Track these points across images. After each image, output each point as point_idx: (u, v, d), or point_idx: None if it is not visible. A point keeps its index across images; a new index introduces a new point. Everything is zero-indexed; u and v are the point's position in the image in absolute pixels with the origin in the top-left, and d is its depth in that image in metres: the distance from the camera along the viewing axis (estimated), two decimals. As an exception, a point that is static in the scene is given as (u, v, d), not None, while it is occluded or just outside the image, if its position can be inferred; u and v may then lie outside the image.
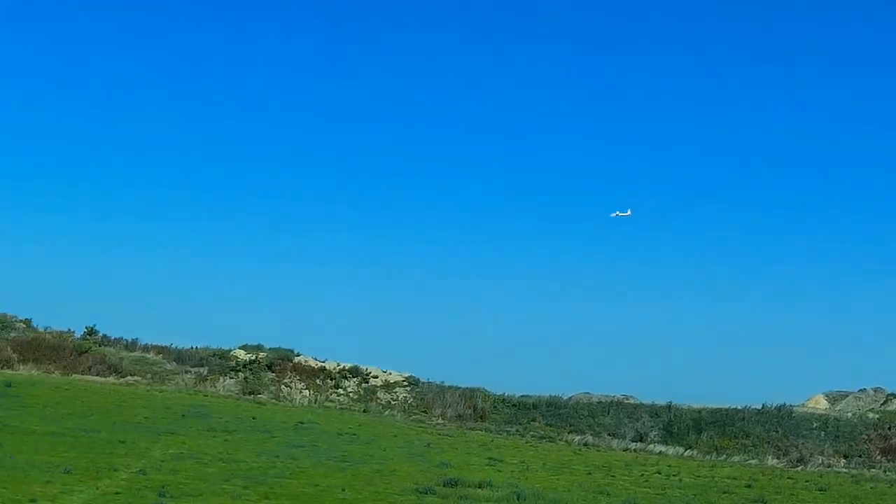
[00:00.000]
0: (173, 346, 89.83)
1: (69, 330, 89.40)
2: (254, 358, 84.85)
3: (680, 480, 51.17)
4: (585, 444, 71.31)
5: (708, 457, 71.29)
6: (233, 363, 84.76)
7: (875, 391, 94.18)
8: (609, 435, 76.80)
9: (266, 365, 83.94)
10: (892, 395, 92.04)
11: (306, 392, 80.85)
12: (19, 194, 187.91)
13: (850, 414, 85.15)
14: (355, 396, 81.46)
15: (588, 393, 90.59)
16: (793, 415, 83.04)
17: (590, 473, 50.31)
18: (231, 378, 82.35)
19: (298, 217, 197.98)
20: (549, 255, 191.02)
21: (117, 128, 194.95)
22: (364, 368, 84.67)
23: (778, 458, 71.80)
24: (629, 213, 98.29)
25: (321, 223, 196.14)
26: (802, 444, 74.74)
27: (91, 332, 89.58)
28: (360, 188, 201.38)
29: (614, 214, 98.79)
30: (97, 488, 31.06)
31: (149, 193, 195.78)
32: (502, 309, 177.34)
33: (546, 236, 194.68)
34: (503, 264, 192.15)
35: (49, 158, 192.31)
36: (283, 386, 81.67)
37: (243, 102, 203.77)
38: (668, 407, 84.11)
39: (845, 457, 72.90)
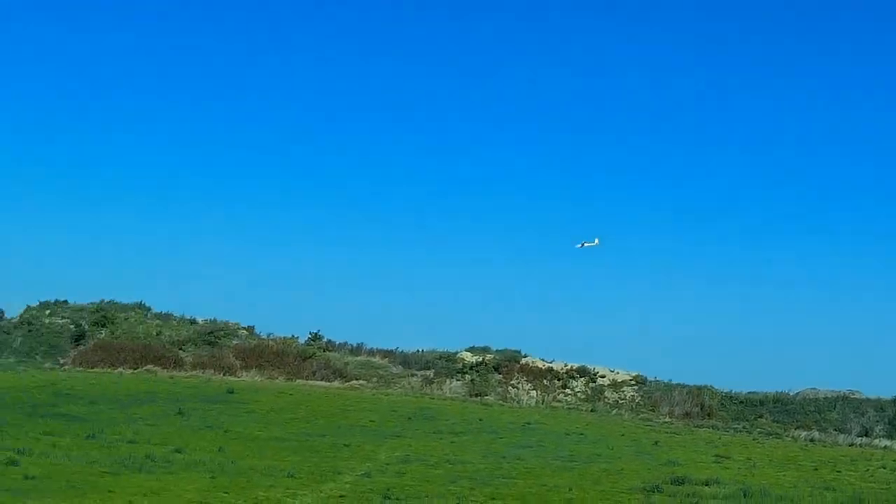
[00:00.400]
0: (399, 349, 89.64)
1: (293, 336, 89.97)
2: (480, 360, 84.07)
3: (904, 475, 48.92)
4: (811, 440, 68.95)
5: (933, 450, 68.29)
6: (459, 365, 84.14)
7: None
8: (835, 430, 74.40)
9: (493, 366, 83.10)
10: None
11: (533, 393, 79.78)
12: (245, 203, 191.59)
13: None
14: (583, 396, 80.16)
15: (815, 388, 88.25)
16: None
17: (816, 469, 48.37)
18: (457, 380, 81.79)
19: (522, 217, 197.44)
20: (767, 253, 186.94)
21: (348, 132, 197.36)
22: (591, 368, 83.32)
23: None
24: (596, 242, 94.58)
25: (548, 223, 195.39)
26: None
27: (315, 337, 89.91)
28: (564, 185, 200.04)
29: (580, 245, 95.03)
30: (321, 492, 30.59)
31: (371, 194, 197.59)
32: (728, 305, 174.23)
33: (765, 231, 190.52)
34: (729, 261, 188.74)
35: (268, 163, 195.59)
36: (510, 387, 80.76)
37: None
38: (894, 401, 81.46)
39: None
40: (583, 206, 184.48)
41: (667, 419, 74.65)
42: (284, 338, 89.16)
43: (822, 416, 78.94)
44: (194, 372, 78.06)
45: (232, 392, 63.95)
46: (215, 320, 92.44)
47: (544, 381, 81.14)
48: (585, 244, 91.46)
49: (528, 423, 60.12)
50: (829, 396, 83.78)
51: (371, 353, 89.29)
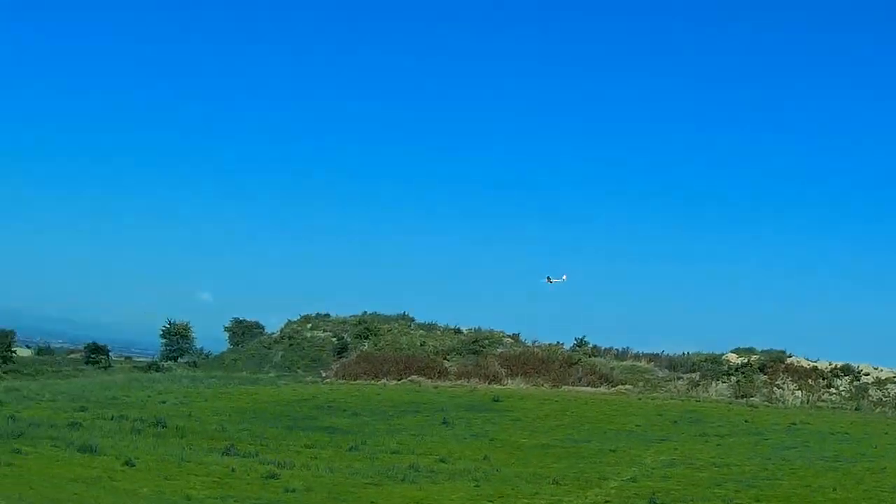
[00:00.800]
0: (664, 353, 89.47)
1: (558, 342, 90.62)
2: (745, 361, 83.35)
3: None
4: None
5: None
6: (724, 367, 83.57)
7: None
8: None
9: (758, 367, 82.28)
10: None
11: (798, 393, 78.72)
12: (508, 216, 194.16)
13: None
14: (847, 395, 78.64)
15: None
16: None
17: None
18: (723, 382, 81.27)
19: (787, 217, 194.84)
20: None
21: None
22: (855, 366, 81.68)
23: None
24: (564, 278, 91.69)
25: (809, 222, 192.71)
26: None
27: (581, 343, 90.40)
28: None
29: (546, 280, 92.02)
30: (585, 497, 31.15)
31: (634, 204, 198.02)
32: None
33: None
34: None
35: (535, 170, 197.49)
36: (775, 388, 79.84)
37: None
38: None
39: None
40: (839, 208, 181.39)
41: (930, 415, 72.95)
42: (549, 344, 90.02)
43: None
44: (459, 381, 79.30)
45: (497, 400, 64.88)
46: (480, 329, 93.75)
47: (809, 381, 79.99)
48: (552, 280, 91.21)
49: (793, 424, 59.61)
50: None
51: (637, 357, 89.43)
